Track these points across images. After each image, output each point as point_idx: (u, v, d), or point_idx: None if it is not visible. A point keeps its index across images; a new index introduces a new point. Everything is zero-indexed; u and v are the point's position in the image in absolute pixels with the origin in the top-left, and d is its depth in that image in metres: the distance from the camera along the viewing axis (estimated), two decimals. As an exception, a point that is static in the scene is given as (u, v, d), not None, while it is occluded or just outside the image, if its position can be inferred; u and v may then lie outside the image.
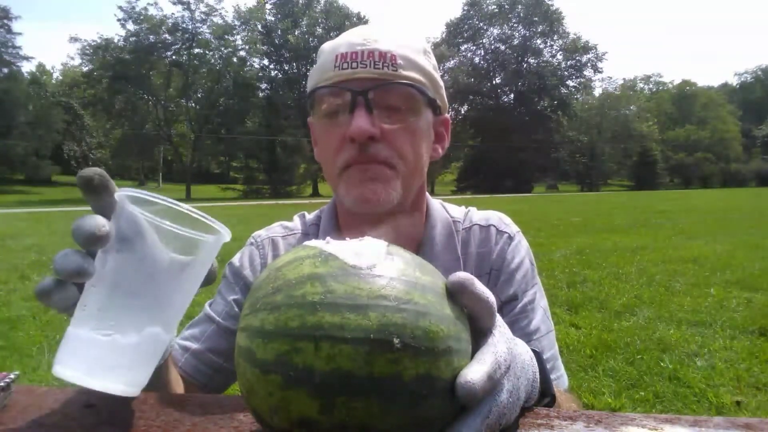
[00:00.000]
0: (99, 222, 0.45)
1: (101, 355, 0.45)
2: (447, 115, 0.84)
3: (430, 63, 0.78)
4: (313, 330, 0.36)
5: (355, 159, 0.73)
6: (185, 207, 0.47)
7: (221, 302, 0.85)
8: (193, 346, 0.82)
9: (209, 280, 0.54)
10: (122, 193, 0.47)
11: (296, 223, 0.92)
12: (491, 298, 0.43)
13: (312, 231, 0.89)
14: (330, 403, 0.36)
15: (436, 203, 0.88)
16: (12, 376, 0.55)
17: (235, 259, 0.89)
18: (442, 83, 0.80)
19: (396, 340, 0.36)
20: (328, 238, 0.44)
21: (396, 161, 0.74)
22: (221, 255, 0.54)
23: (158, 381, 0.63)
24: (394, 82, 0.72)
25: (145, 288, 0.46)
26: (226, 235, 0.49)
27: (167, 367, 0.66)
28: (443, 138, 0.84)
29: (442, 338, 0.38)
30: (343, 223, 0.86)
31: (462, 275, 0.42)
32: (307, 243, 0.45)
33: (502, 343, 0.43)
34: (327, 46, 0.78)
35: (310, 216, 0.92)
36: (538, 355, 0.50)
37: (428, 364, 0.37)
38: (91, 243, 0.45)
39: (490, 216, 0.88)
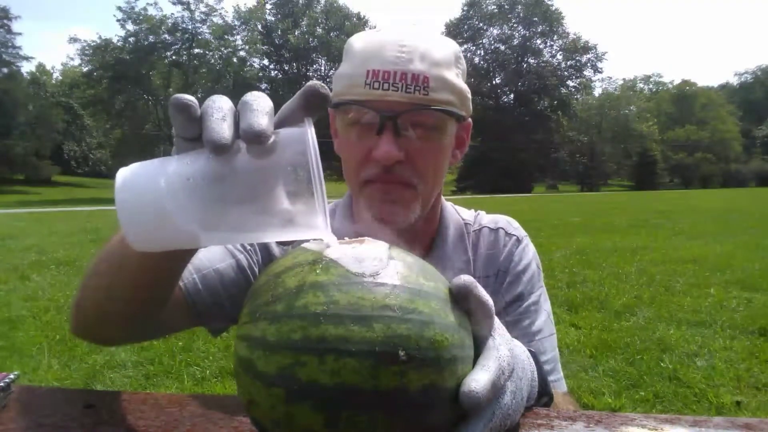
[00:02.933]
0: (268, 131, 0.40)
1: (148, 209, 0.41)
2: (469, 120, 0.82)
3: (460, 72, 0.77)
4: (317, 343, 0.35)
5: (378, 178, 0.74)
6: (322, 195, 0.41)
7: (241, 247, 0.82)
8: (206, 270, 0.78)
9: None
10: (307, 124, 0.43)
11: None
12: (491, 301, 0.43)
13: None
14: (335, 417, 0.35)
15: (448, 205, 0.90)
16: (12, 376, 0.55)
17: None
18: (468, 91, 0.79)
19: (401, 352, 0.36)
20: (328, 241, 0.43)
21: (417, 182, 0.74)
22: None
23: (165, 267, 0.60)
24: (424, 107, 0.71)
25: (234, 208, 0.42)
26: (325, 240, 0.43)
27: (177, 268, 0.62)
28: (463, 142, 0.84)
29: (447, 347, 0.38)
30: (357, 219, 0.86)
31: (465, 279, 0.41)
32: (305, 245, 0.43)
33: (504, 345, 0.43)
34: (358, 47, 0.75)
35: None
36: (534, 354, 0.51)
37: (433, 375, 0.37)
38: (249, 140, 0.40)
39: (498, 219, 0.90)
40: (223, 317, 0.78)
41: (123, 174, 0.43)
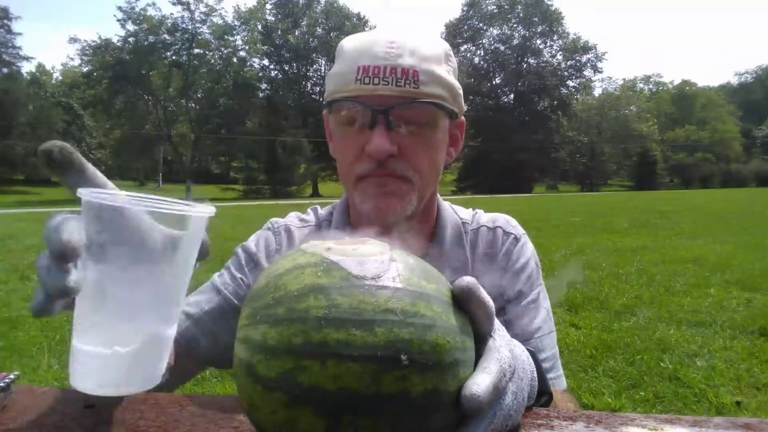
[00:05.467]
0: (66, 236, 0.40)
1: (107, 368, 0.42)
2: (462, 118, 0.83)
3: (451, 69, 0.77)
4: (319, 347, 0.35)
5: (373, 172, 0.74)
6: (149, 202, 0.42)
7: (229, 278, 0.85)
8: (196, 314, 0.81)
9: (202, 255, 0.50)
10: (83, 192, 0.42)
11: (310, 215, 0.93)
12: (492, 302, 0.43)
13: (324, 226, 0.90)
14: (336, 421, 0.35)
15: (445, 205, 0.90)
16: (12, 376, 0.55)
17: (251, 242, 0.89)
18: (460, 87, 0.79)
19: (403, 357, 0.36)
20: (328, 243, 0.43)
21: (412, 175, 0.74)
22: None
23: None
24: (415, 100, 0.71)
25: (134, 289, 0.43)
26: (207, 210, 0.45)
27: None
28: (457, 141, 0.84)
29: (449, 351, 0.38)
30: (354, 220, 0.87)
31: (468, 281, 0.41)
32: (305, 247, 0.43)
33: (504, 347, 0.43)
34: (348, 47, 0.76)
35: (322, 211, 0.93)
36: (532, 353, 0.51)
37: (435, 379, 0.37)
38: (64, 260, 0.40)
39: (497, 218, 0.90)
40: (226, 348, 0.80)
41: (79, 382, 0.44)
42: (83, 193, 0.41)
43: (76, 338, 0.43)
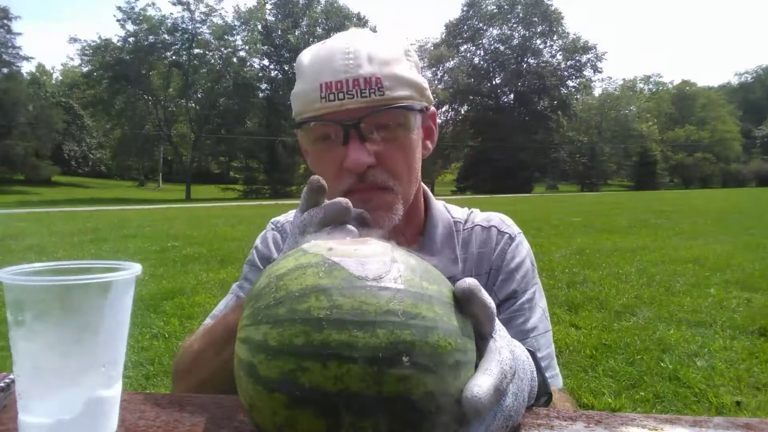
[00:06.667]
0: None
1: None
2: (432, 108, 0.83)
3: (412, 65, 0.77)
4: (320, 348, 0.35)
5: (355, 187, 0.74)
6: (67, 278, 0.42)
7: (247, 286, 0.87)
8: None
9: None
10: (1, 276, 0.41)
11: None
12: (493, 303, 0.43)
13: None
14: (337, 423, 0.35)
15: (438, 204, 0.90)
16: (12, 376, 0.55)
17: (259, 244, 0.90)
18: (425, 81, 0.79)
19: (405, 359, 0.35)
20: (330, 243, 0.43)
21: (393, 183, 0.75)
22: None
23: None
24: (383, 108, 0.71)
25: (66, 359, 0.42)
26: (131, 272, 0.45)
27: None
28: (432, 132, 0.85)
29: (450, 352, 0.38)
30: None
31: (470, 282, 0.41)
32: (307, 247, 0.43)
33: (505, 348, 0.43)
34: (307, 64, 0.75)
35: None
36: (532, 354, 0.51)
37: (436, 381, 0.37)
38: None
39: (491, 217, 0.90)
40: None
41: None
42: (1, 276, 0.41)
43: (21, 412, 0.43)
